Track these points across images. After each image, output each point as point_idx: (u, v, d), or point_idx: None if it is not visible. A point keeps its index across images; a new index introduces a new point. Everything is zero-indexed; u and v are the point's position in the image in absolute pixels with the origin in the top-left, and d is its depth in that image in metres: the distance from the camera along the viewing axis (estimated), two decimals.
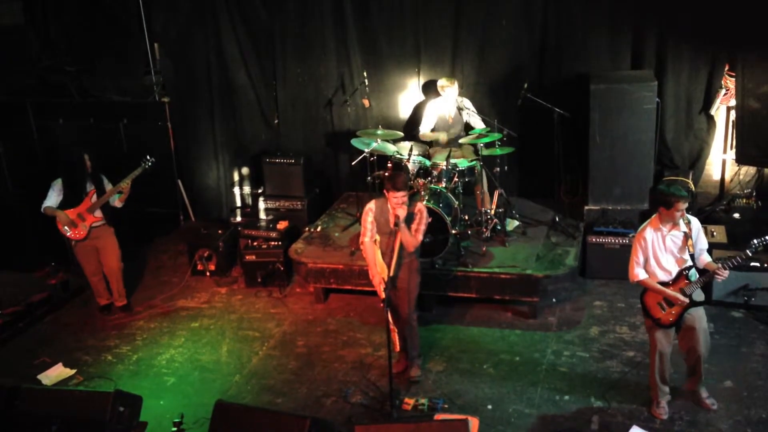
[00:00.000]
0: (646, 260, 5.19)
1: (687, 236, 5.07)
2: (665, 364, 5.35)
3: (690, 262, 5.11)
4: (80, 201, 6.99)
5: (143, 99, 9.09)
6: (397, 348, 5.88)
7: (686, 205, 4.97)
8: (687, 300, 5.09)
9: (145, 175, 7.12)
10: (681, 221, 5.05)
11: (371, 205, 5.78)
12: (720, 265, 4.99)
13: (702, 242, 5.17)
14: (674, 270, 5.15)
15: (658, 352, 5.30)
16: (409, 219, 5.61)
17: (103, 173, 7.18)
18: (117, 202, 7.15)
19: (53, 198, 6.98)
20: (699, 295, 5.14)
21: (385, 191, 5.59)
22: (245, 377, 6.24)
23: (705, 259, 5.17)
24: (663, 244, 5.12)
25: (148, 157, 7.16)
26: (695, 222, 5.13)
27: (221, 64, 8.72)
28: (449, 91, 7.62)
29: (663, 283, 5.16)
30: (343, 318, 7.10)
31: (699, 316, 5.20)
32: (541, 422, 5.42)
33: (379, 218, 5.72)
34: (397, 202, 5.47)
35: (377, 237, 5.74)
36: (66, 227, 6.98)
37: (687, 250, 5.09)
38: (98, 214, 7.05)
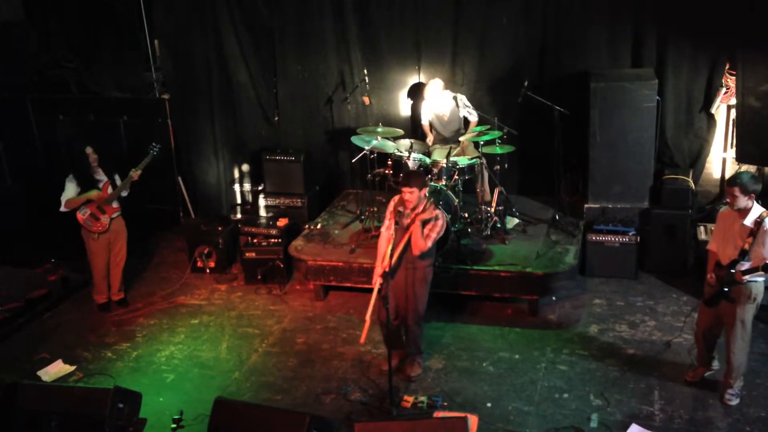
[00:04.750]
0: (718, 236, 5.29)
1: (752, 233, 5.00)
2: (698, 338, 5.60)
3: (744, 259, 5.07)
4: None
5: (143, 95, 9.08)
6: (362, 341, 5.87)
7: (734, 195, 4.96)
8: (716, 284, 5.17)
9: (151, 167, 7.16)
10: (752, 216, 5.00)
11: (396, 197, 5.90)
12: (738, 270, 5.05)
13: (765, 249, 4.98)
14: (731, 257, 5.12)
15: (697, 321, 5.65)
16: (425, 222, 5.66)
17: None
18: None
19: (72, 190, 6.90)
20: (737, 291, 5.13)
21: None
22: (244, 374, 6.24)
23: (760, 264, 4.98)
24: (731, 229, 5.14)
25: (154, 144, 7.22)
26: (767, 226, 4.98)
27: (221, 60, 8.71)
28: (430, 90, 7.69)
29: (720, 264, 5.21)
30: (343, 315, 7.10)
31: (738, 316, 5.17)
32: (541, 420, 5.42)
33: (397, 210, 5.81)
34: (404, 197, 5.62)
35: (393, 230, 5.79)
36: (88, 221, 6.95)
37: (744, 246, 5.05)
38: (116, 204, 7.08)
